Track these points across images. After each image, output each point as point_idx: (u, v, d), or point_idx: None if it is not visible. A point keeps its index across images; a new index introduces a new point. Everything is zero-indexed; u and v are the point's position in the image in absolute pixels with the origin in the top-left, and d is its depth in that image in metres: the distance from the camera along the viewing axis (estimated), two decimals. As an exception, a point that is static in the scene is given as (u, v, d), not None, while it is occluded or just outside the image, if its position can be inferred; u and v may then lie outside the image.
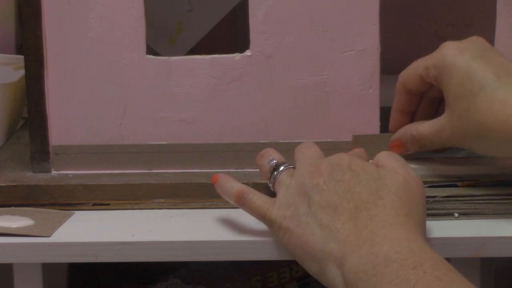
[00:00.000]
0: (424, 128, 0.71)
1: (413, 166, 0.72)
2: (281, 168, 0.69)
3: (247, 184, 0.69)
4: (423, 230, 0.63)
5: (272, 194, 0.68)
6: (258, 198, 0.67)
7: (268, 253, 0.67)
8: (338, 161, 0.65)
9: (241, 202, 0.67)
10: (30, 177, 0.77)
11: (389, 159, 0.66)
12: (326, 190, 0.63)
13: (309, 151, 0.70)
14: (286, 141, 0.76)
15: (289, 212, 0.64)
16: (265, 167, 0.70)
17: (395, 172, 0.64)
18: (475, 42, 0.70)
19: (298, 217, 0.64)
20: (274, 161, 0.69)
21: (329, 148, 0.71)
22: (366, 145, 0.75)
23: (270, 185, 0.69)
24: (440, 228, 0.68)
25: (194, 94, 0.76)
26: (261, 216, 0.66)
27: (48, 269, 0.76)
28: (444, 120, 0.69)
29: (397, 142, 0.74)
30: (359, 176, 0.64)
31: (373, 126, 0.76)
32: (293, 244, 0.64)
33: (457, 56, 0.68)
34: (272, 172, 0.69)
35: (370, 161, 0.68)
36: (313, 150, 0.70)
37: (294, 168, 0.68)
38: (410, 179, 0.64)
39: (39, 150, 0.78)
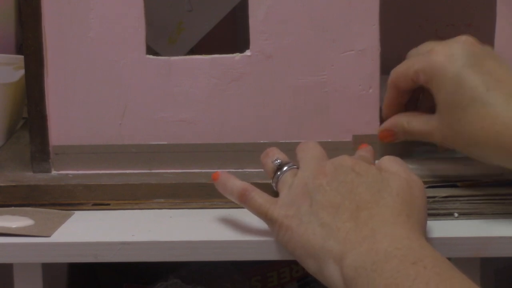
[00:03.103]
0: (415, 124, 0.72)
1: (412, 166, 0.72)
2: (285, 168, 0.69)
3: (246, 184, 0.69)
4: (424, 231, 0.63)
5: (273, 194, 0.68)
6: (260, 197, 0.67)
7: (268, 253, 0.67)
8: (342, 163, 0.65)
9: (243, 200, 0.67)
10: (30, 177, 0.77)
11: (391, 163, 0.66)
12: (328, 191, 0.64)
13: (312, 151, 0.70)
14: (286, 141, 0.76)
15: (291, 212, 0.64)
16: (269, 166, 0.70)
17: (397, 175, 0.64)
18: (464, 45, 0.69)
19: (300, 216, 0.64)
20: (278, 161, 0.70)
21: (329, 148, 0.71)
22: (366, 145, 0.75)
23: (273, 184, 0.69)
24: (440, 228, 0.68)
25: (194, 94, 0.76)
26: (262, 214, 0.66)
27: (48, 269, 0.75)
28: (435, 124, 0.70)
29: (387, 132, 0.74)
30: (361, 178, 0.64)
31: (373, 126, 0.76)
32: (293, 243, 0.64)
33: (446, 64, 0.68)
34: (275, 172, 0.69)
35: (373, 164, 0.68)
36: (316, 150, 0.70)
37: (297, 168, 0.68)
38: (411, 182, 0.64)
39: (39, 150, 0.78)
